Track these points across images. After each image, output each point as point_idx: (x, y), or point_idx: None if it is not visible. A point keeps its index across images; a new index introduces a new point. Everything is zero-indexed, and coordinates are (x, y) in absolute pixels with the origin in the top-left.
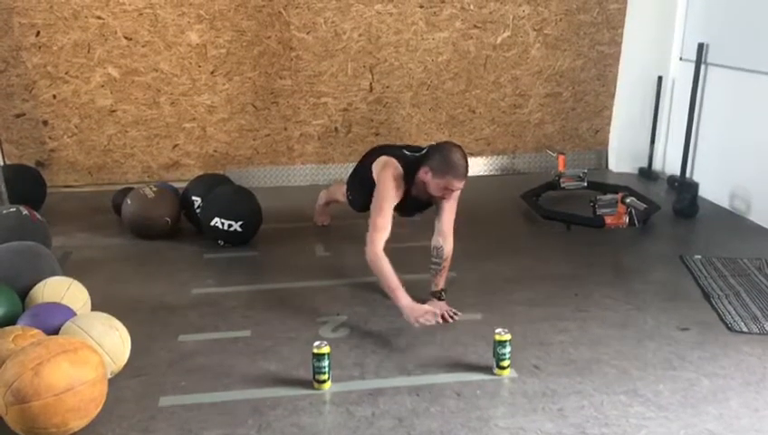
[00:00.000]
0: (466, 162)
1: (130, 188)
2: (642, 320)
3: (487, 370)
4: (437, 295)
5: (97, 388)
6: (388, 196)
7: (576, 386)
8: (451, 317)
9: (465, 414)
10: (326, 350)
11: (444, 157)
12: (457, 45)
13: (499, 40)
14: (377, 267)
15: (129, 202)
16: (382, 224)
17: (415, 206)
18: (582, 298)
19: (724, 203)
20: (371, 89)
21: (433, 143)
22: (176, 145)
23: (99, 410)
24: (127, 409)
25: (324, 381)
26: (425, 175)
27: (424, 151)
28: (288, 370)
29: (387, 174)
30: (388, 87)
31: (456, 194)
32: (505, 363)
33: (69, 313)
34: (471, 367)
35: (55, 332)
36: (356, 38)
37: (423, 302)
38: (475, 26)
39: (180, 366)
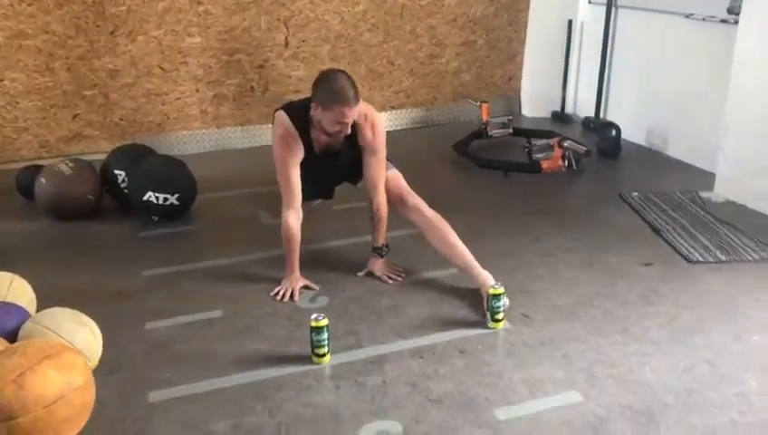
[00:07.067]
0: (352, 86)
1: (38, 166)
2: (606, 259)
3: (480, 324)
4: (379, 252)
5: (88, 392)
6: (282, 157)
7: (570, 331)
8: (398, 276)
9: (476, 371)
10: (325, 322)
11: (327, 86)
12: None
13: None
14: (283, 237)
15: (43, 181)
16: (287, 189)
17: (331, 161)
18: (544, 243)
19: (641, 141)
20: (287, 43)
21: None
22: (76, 115)
23: (89, 415)
24: (115, 410)
25: (324, 355)
26: (316, 111)
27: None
28: (278, 347)
29: (274, 132)
30: (304, 41)
31: (379, 143)
32: (500, 316)
33: (22, 312)
34: (464, 323)
35: (12, 335)
36: None
37: (367, 259)
38: None
39: (159, 356)
